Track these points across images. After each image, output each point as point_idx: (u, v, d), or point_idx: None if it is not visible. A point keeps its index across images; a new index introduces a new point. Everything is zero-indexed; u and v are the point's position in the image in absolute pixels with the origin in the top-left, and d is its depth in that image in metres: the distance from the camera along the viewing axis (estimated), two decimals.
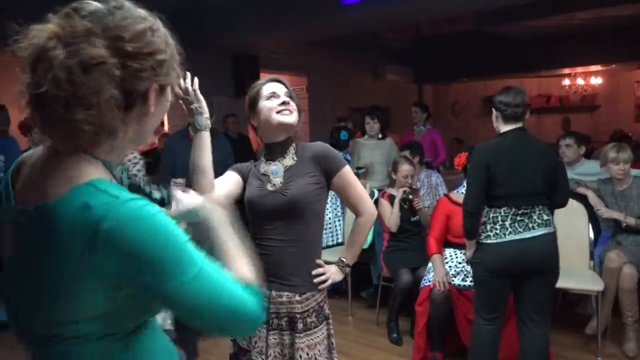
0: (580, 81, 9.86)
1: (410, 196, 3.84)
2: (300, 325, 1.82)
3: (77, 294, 0.84)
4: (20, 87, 0.85)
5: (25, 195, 0.91)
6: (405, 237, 3.89)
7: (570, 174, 4.05)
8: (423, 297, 3.34)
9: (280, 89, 1.89)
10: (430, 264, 3.45)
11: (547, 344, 2.72)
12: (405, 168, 3.89)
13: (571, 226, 3.80)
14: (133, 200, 0.84)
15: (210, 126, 1.72)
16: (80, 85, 0.81)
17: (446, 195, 3.61)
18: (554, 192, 2.66)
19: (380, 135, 4.94)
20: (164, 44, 0.92)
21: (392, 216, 3.85)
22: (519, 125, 2.66)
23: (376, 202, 3.95)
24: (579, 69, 9.39)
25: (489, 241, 2.65)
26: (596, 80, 9.86)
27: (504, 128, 2.69)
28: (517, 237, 2.58)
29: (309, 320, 1.84)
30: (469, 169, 2.84)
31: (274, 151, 1.90)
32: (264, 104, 1.87)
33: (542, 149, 2.68)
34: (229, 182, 1.89)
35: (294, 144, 1.91)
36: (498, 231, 2.62)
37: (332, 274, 1.91)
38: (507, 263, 2.62)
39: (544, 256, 2.62)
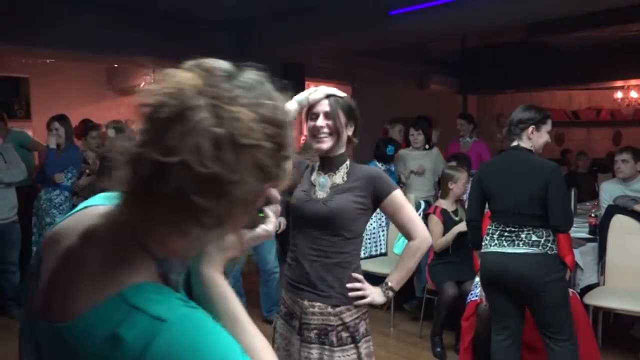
0: (633, 94, 9.51)
1: None
2: (332, 339, 1.79)
3: None
4: (128, 143, 0.68)
5: (47, 298, 0.71)
6: (451, 249, 3.83)
7: (626, 191, 3.92)
8: (470, 312, 3.27)
9: (322, 107, 1.83)
10: (477, 278, 3.38)
11: (577, 356, 2.64)
12: (464, 176, 3.87)
13: (626, 245, 3.68)
14: (181, 321, 0.65)
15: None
16: (225, 165, 0.64)
17: None
18: (547, 214, 2.53)
19: (426, 146, 4.92)
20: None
21: (442, 240, 3.79)
22: (515, 143, 2.69)
23: (425, 217, 3.90)
24: (633, 82, 9.05)
25: (482, 251, 2.78)
26: None
27: (511, 145, 2.73)
28: (500, 249, 2.65)
29: (343, 335, 1.80)
30: None
31: (326, 165, 1.91)
32: (309, 124, 1.89)
33: (532, 170, 2.59)
34: None
35: (347, 163, 1.90)
36: (487, 242, 2.73)
37: (373, 293, 1.86)
38: (489, 273, 2.72)
39: (523, 275, 2.57)
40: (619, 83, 9.16)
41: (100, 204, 0.79)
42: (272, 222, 0.88)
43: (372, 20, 5.29)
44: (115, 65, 7.91)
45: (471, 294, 3.38)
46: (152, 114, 0.66)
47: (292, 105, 1.79)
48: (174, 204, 0.65)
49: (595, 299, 3.50)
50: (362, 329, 1.84)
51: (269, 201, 0.87)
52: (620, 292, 3.58)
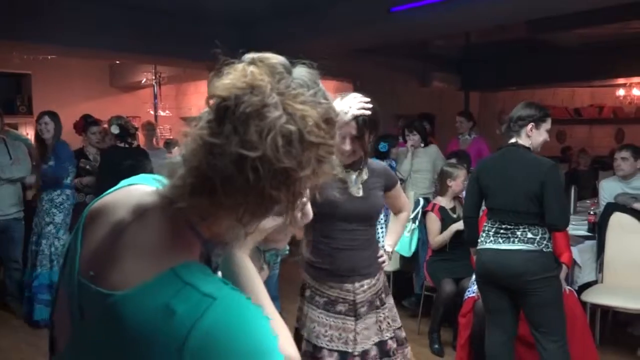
0: (636, 92, 9.47)
1: None
2: (378, 302, 2.11)
3: None
4: (201, 132, 0.70)
5: (95, 266, 0.75)
6: (449, 247, 3.84)
7: (625, 188, 3.92)
8: (467, 309, 3.29)
9: (349, 130, 1.93)
10: (474, 275, 3.39)
11: (567, 357, 2.63)
12: (462, 173, 3.88)
13: (625, 243, 3.68)
14: (229, 300, 0.69)
15: None
16: (295, 160, 0.68)
17: None
18: (544, 212, 2.53)
19: (422, 145, 4.93)
20: None
21: (440, 238, 3.81)
22: (514, 140, 2.69)
23: (423, 215, 3.93)
24: (635, 79, 9.02)
25: (478, 248, 2.79)
26: None
27: (509, 142, 2.73)
28: (495, 246, 2.66)
29: (383, 295, 2.14)
30: None
31: (351, 165, 2.07)
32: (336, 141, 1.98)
33: (529, 168, 2.58)
34: None
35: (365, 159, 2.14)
36: (483, 239, 2.74)
37: (386, 257, 2.24)
38: (484, 270, 2.74)
39: (517, 271, 2.58)
40: (622, 80, 9.12)
41: (143, 183, 0.84)
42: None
43: (374, 17, 5.29)
44: (118, 62, 7.93)
45: (468, 291, 3.40)
46: (228, 107, 0.68)
47: None
48: (248, 196, 0.68)
49: (593, 296, 3.51)
50: (385, 281, 2.22)
51: None
52: (619, 289, 3.58)
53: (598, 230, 3.84)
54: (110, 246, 0.75)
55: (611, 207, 3.79)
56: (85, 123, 4.97)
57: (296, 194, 0.72)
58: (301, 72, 0.74)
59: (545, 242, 2.57)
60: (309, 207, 0.92)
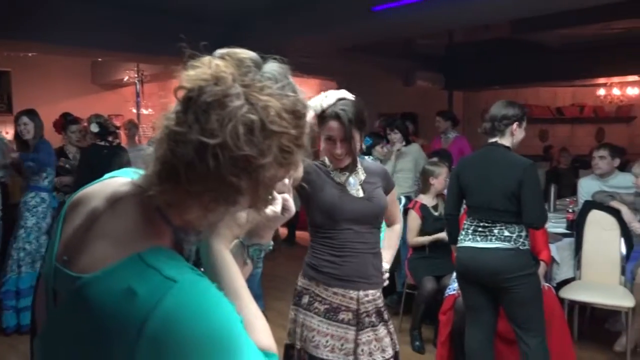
0: (616, 91, 9.61)
1: None
2: (385, 316, 2.02)
3: None
4: (168, 122, 0.72)
5: (69, 251, 0.78)
6: (430, 245, 3.86)
7: (603, 187, 3.97)
8: (447, 306, 3.31)
9: (337, 131, 1.92)
10: (455, 273, 3.41)
11: (546, 355, 2.65)
12: (444, 171, 3.91)
13: (602, 240, 3.73)
14: (191, 284, 0.70)
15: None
16: (256, 148, 0.70)
17: None
18: (521, 212, 2.56)
19: (403, 143, 4.95)
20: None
21: (419, 240, 3.84)
22: (494, 139, 2.70)
23: (406, 212, 3.94)
24: (615, 79, 9.14)
25: (457, 245, 2.81)
26: (633, 91, 9.59)
27: (489, 141, 2.74)
28: (473, 244, 2.68)
29: (384, 310, 2.04)
30: None
31: (346, 167, 2.02)
32: (324, 144, 1.99)
33: (508, 167, 2.60)
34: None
35: (359, 159, 2.08)
36: (462, 237, 2.76)
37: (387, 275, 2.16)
38: (463, 267, 2.75)
39: (494, 269, 2.60)
40: (602, 80, 9.25)
41: (123, 176, 0.87)
42: (279, 203, 0.93)
43: (356, 16, 5.30)
44: (100, 60, 7.85)
45: (449, 288, 3.42)
46: (191, 98, 0.71)
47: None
48: (209, 182, 0.71)
49: (570, 292, 3.56)
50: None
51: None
52: (596, 286, 3.64)
53: (576, 227, 3.89)
54: (83, 233, 0.78)
55: (589, 205, 3.84)
56: (65, 121, 4.90)
57: (260, 182, 0.74)
58: (272, 67, 0.77)
59: (522, 240, 2.60)
60: (291, 202, 0.95)
